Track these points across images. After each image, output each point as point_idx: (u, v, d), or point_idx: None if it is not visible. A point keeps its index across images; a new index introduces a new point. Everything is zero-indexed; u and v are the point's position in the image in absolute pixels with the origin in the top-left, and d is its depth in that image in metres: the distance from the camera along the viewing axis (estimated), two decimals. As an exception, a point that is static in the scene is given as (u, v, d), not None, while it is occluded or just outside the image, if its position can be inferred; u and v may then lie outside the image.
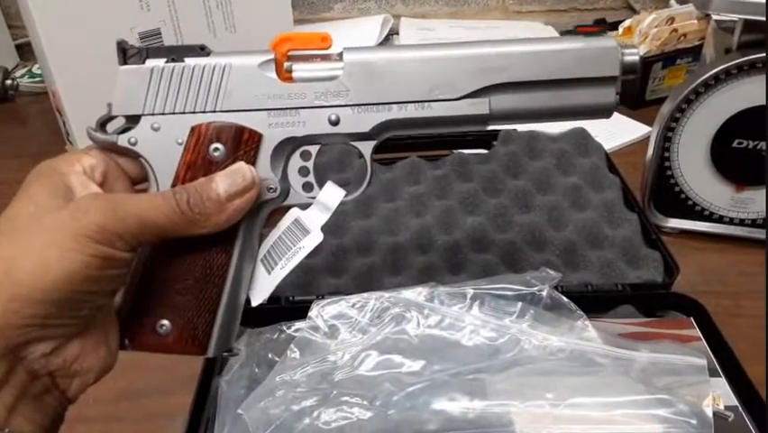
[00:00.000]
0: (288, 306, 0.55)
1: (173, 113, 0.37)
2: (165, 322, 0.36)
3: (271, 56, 0.37)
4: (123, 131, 0.37)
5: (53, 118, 0.87)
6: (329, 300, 0.52)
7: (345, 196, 0.39)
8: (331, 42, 0.38)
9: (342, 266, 0.61)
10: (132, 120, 0.37)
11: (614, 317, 0.54)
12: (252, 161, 0.37)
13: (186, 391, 0.48)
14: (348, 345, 0.49)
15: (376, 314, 0.51)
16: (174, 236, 0.33)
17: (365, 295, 0.52)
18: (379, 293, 0.52)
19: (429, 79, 0.37)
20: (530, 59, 0.37)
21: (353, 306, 0.52)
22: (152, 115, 0.37)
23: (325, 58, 0.38)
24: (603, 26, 1.06)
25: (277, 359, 0.49)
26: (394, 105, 0.37)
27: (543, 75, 0.37)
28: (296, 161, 0.39)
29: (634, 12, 1.07)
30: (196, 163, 0.36)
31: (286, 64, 0.38)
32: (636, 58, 0.38)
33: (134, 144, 0.36)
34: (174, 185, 0.36)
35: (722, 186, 0.66)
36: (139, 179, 0.38)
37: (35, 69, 1.09)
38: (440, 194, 0.69)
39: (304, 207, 0.39)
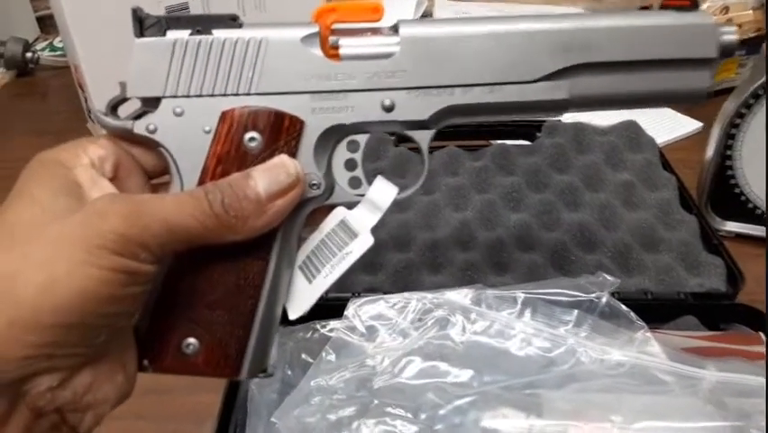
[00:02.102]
0: (321, 303, 0.51)
1: (200, 95, 0.32)
2: (192, 340, 0.31)
3: (315, 29, 0.32)
4: (140, 116, 0.32)
5: (74, 93, 0.83)
6: (366, 299, 0.48)
7: (398, 193, 0.35)
8: (383, 13, 0.33)
9: (378, 262, 0.57)
10: (151, 103, 0.32)
11: (675, 329, 0.50)
12: (293, 152, 0.32)
13: (213, 391, 0.45)
14: (387, 348, 0.46)
15: (417, 316, 0.48)
16: (205, 243, 0.28)
17: (406, 295, 0.48)
18: (421, 294, 0.48)
19: (500, 59, 0.32)
20: (616, 37, 0.32)
21: (393, 306, 0.48)
22: (175, 97, 0.32)
23: (377, 32, 0.33)
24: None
25: (311, 361, 0.46)
26: (457, 89, 0.33)
27: (630, 55, 0.33)
28: (341, 153, 0.34)
29: None
30: (229, 155, 0.31)
31: (331, 39, 0.33)
32: (734, 38, 0.34)
33: (153, 132, 0.32)
34: (202, 181, 0.31)
35: (788, 189, 0.61)
36: (155, 173, 0.34)
37: (56, 42, 1.05)
38: (480, 187, 0.65)
39: (350, 205, 0.34)
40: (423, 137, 0.34)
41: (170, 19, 0.32)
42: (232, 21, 0.33)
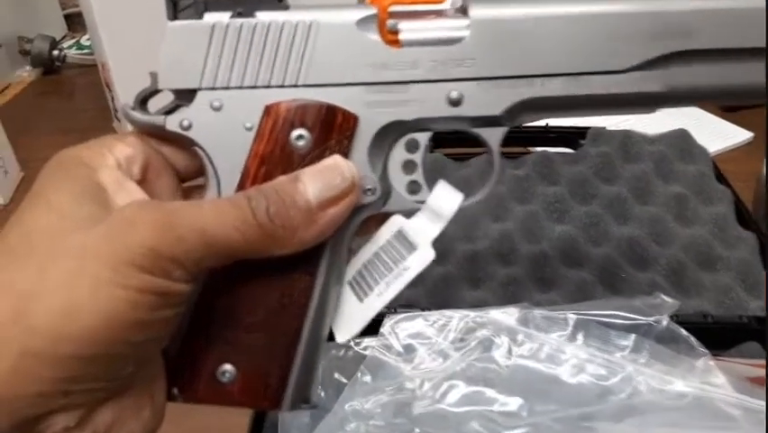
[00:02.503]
0: (355, 318, 0.48)
1: (241, 87, 0.28)
2: (228, 367, 0.27)
3: (372, 11, 0.29)
4: (172, 110, 0.29)
5: (101, 92, 0.82)
6: (404, 315, 0.45)
7: (464, 200, 0.31)
8: None
9: (414, 274, 0.54)
10: (185, 96, 0.29)
11: (737, 356, 0.46)
12: (345, 152, 0.28)
13: (241, 412, 0.42)
14: (427, 371, 0.42)
15: (459, 335, 0.44)
16: (247, 257, 0.25)
17: (447, 312, 0.45)
18: (463, 312, 0.45)
19: (586, 44, 0.28)
20: (721, 20, 0.28)
21: (432, 324, 0.45)
22: (212, 89, 0.28)
23: (441, 14, 0.29)
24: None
25: (344, 381, 0.43)
26: (536, 79, 0.29)
27: (738, 41, 0.28)
28: (399, 154, 0.30)
29: None
30: (273, 156, 0.28)
31: (389, 22, 0.29)
32: None
33: (188, 129, 0.28)
34: (242, 185, 0.28)
35: None
36: (188, 175, 0.30)
37: (84, 41, 1.04)
38: (521, 196, 0.61)
39: (408, 214, 0.31)
40: (493, 136, 0.30)
41: (209, 0, 0.28)
42: (278, 1, 0.29)
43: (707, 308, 0.49)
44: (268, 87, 0.28)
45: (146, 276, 0.22)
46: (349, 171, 0.26)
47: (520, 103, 0.29)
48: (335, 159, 0.27)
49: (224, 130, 0.28)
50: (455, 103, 0.29)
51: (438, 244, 0.58)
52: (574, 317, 0.43)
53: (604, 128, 0.67)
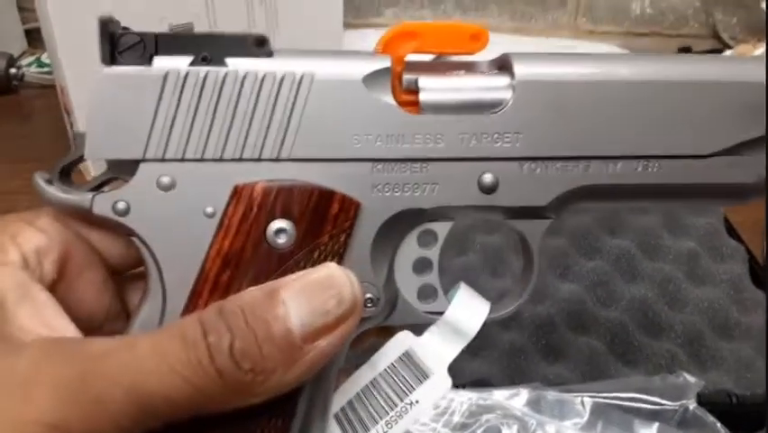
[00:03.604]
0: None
1: (201, 159, 0.22)
2: None
3: (384, 63, 0.22)
4: (101, 185, 0.22)
5: (60, 117, 0.75)
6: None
7: (491, 312, 0.26)
8: (486, 42, 0.23)
9: (407, 339, 0.48)
10: (123, 168, 0.22)
11: (765, 442, 0.42)
12: (341, 251, 0.22)
13: None
14: (426, 466, 0.37)
15: (461, 420, 0.39)
16: (198, 414, 0.18)
17: (449, 394, 0.39)
18: (466, 393, 0.39)
19: (660, 119, 0.22)
20: None
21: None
22: (161, 161, 0.22)
23: (472, 68, 0.23)
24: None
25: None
26: (594, 162, 0.23)
27: None
28: (410, 249, 0.24)
29: (720, 42, 0.95)
30: (243, 255, 0.21)
31: (406, 77, 0.23)
32: None
33: (124, 214, 0.22)
34: (197, 296, 0.21)
35: None
36: (124, 266, 0.24)
37: (44, 58, 0.97)
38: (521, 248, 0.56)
39: (419, 329, 0.25)
40: (534, 230, 0.25)
41: (162, 38, 0.22)
42: (257, 45, 0.22)
43: (726, 382, 0.45)
44: (239, 160, 0.22)
45: None
46: (349, 290, 0.20)
47: (573, 191, 0.23)
48: (330, 270, 0.20)
49: (175, 217, 0.22)
50: (489, 189, 0.23)
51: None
52: (591, 400, 0.38)
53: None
